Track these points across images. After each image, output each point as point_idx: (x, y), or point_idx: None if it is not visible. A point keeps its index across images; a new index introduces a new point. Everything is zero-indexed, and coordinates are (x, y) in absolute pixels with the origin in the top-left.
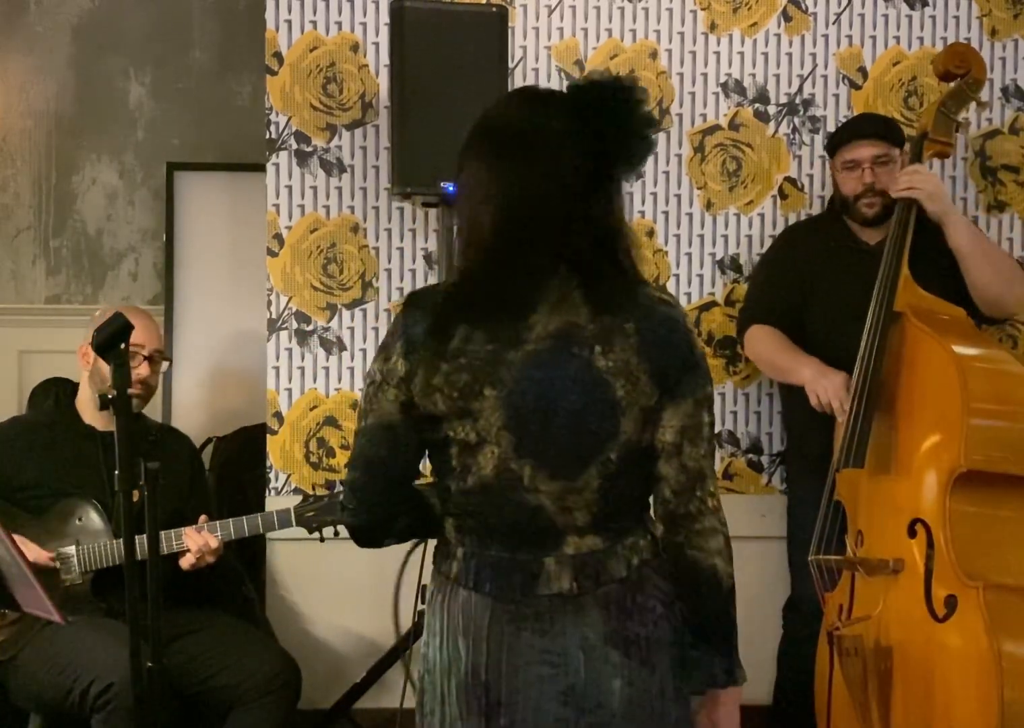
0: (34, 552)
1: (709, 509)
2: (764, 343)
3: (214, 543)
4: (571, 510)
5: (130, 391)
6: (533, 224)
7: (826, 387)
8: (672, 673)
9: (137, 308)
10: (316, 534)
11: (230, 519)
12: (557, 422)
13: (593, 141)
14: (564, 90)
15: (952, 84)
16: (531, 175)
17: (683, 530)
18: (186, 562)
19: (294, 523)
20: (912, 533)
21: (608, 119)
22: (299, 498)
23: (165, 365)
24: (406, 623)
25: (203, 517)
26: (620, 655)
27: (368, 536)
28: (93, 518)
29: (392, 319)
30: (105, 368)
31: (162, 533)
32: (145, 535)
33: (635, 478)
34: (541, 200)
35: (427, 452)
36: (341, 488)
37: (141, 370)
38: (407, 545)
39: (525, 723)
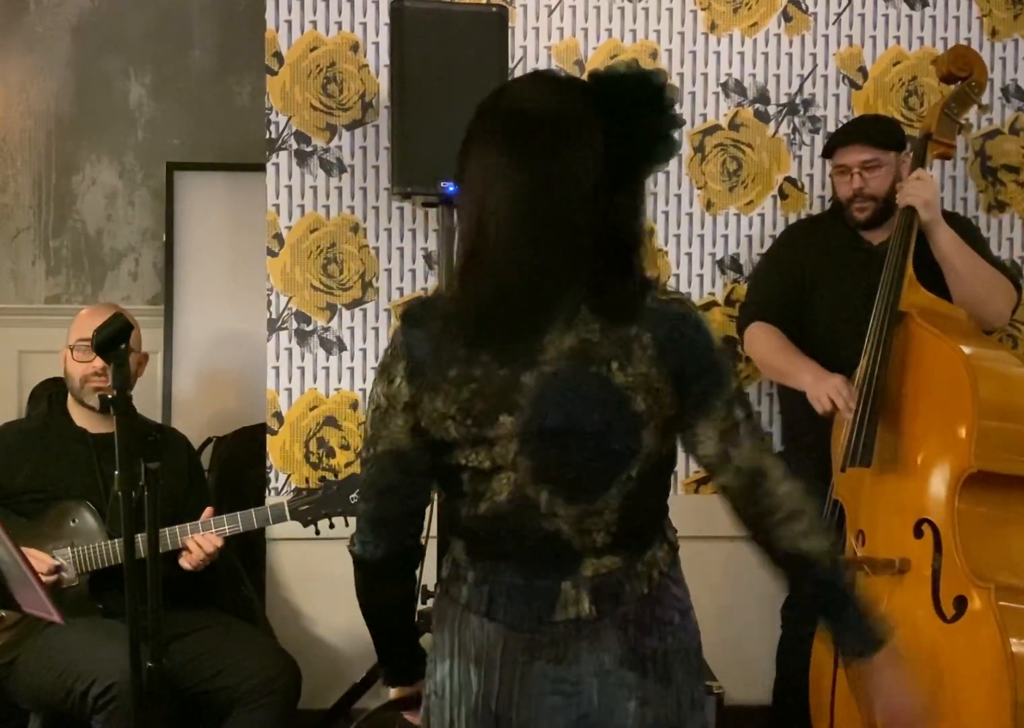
0: (38, 561)
1: (778, 496)
2: (763, 343)
3: (219, 542)
4: (590, 532)
5: (92, 385)
6: (554, 228)
7: (828, 390)
8: (689, 680)
9: (101, 305)
10: (311, 528)
11: (224, 515)
12: (579, 445)
13: (618, 136)
14: (586, 78)
15: (955, 86)
16: (553, 169)
17: (762, 530)
18: (188, 561)
19: (288, 517)
20: (919, 533)
21: (637, 114)
22: None
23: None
24: None
25: (208, 510)
26: (636, 675)
27: (390, 570)
28: (87, 520)
29: (391, 334)
30: (73, 368)
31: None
32: (140, 535)
33: (654, 489)
34: (564, 199)
35: (439, 470)
36: (333, 483)
37: (96, 362)
38: None
39: None
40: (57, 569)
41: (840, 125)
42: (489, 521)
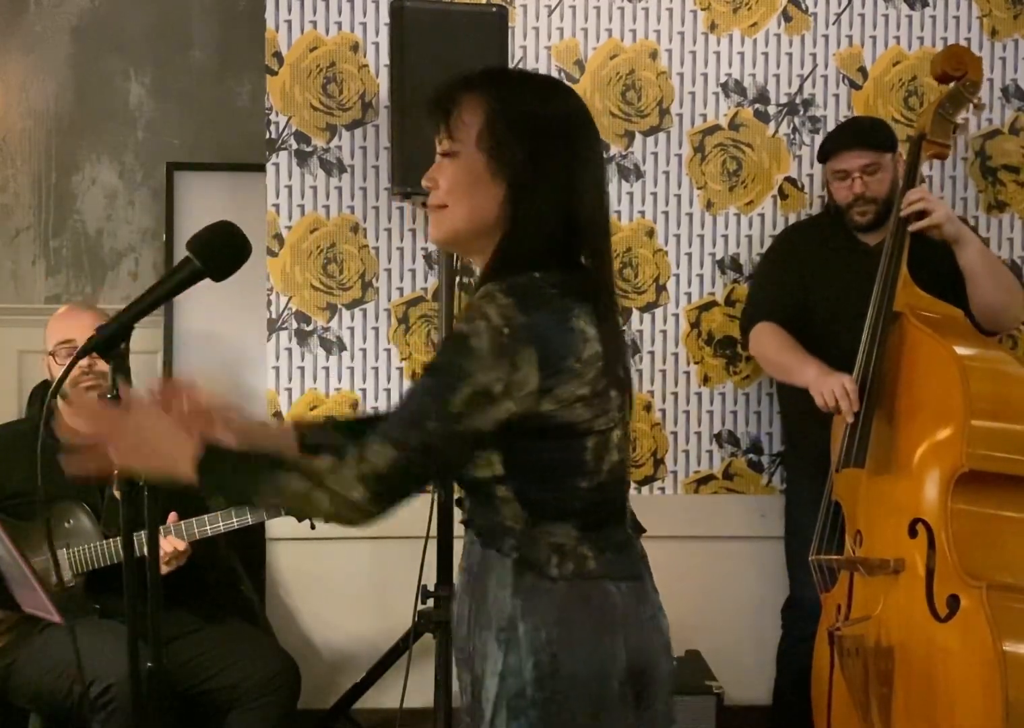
0: None
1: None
2: (768, 342)
3: (181, 547)
4: None
5: (83, 385)
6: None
7: (832, 387)
8: None
9: (72, 307)
10: (311, 529)
11: (219, 512)
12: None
13: None
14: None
15: (950, 86)
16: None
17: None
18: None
19: (283, 512)
20: (913, 533)
21: None
22: None
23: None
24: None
25: (172, 515)
26: None
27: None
28: (82, 520)
29: (488, 318)
30: (55, 370)
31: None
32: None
33: None
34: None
35: (525, 458)
36: None
37: (81, 362)
38: (409, 550)
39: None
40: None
41: (831, 131)
42: (609, 484)
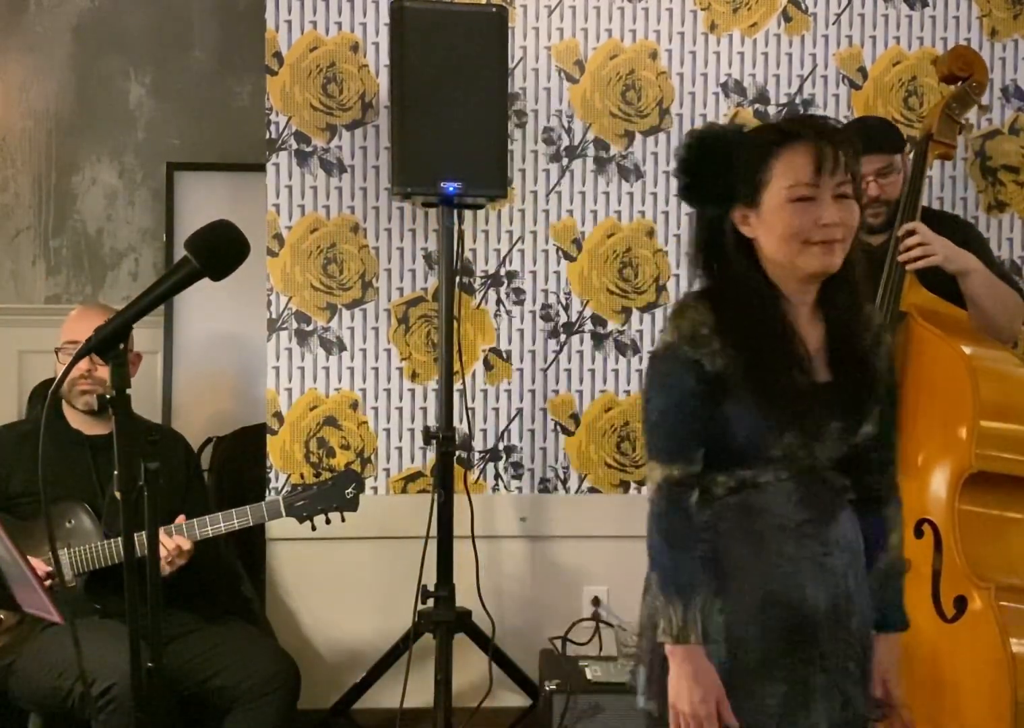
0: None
1: None
2: None
3: (185, 546)
4: None
5: (79, 388)
6: None
7: None
8: None
9: (89, 307)
10: (312, 529)
11: (219, 513)
12: None
13: None
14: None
15: (955, 86)
16: None
17: None
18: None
19: (284, 513)
20: (919, 533)
21: None
22: None
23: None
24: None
25: (180, 517)
26: None
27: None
28: (83, 520)
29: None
30: (59, 370)
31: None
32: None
33: None
34: None
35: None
36: (328, 479)
37: (81, 364)
38: (409, 550)
39: None
40: (49, 576)
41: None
42: None
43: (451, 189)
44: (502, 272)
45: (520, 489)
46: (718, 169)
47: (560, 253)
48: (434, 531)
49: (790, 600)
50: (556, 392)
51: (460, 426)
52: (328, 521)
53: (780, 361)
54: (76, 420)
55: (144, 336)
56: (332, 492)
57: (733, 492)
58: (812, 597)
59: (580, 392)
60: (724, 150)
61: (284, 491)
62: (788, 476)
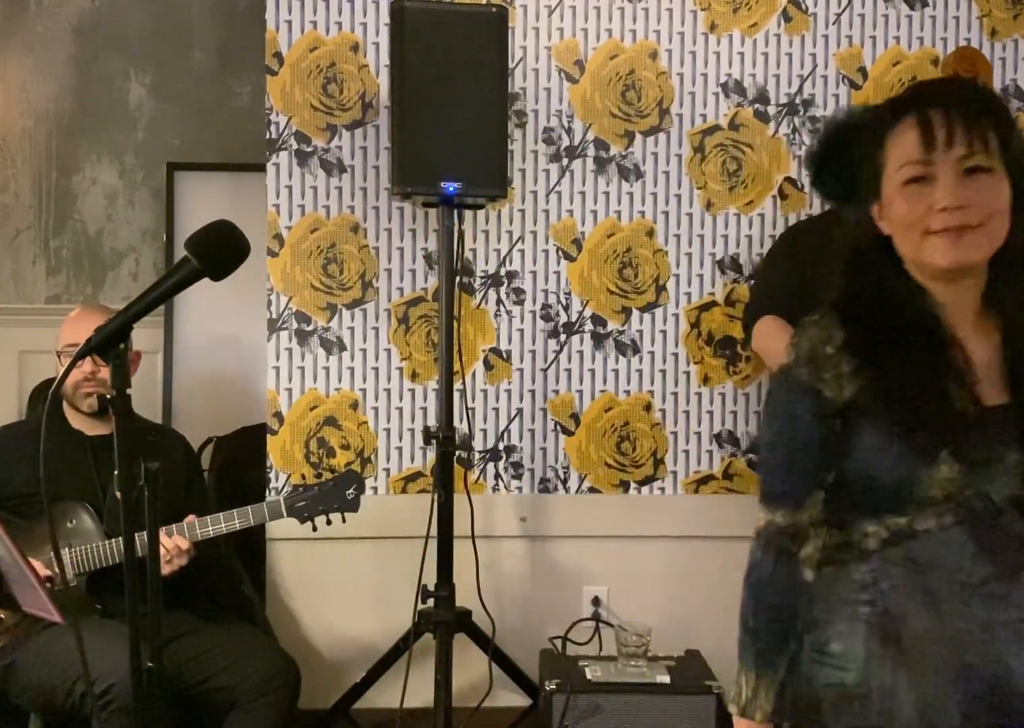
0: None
1: None
2: (773, 336)
3: (184, 545)
4: None
5: (83, 390)
6: None
7: None
8: None
9: (87, 308)
10: (312, 528)
11: (220, 513)
12: None
13: None
14: None
15: None
16: None
17: None
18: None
19: (284, 514)
20: None
21: None
22: None
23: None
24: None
25: (190, 517)
26: None
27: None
28: (85, 520)
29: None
30: (60, 371)
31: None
32: (139, 535)
33: None
34: None
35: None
36: (329, 480)
37: (85, 366)
38: (409, 550)
39: None
40: (50, 580)
41: None
42: None
43: (451, 189)
44: (502, 272)
45: (520, 489)
46: (840, 160)
47: (560, 253)
48: (434, 531)
49: (996, 676)
50: (556, 392)
51: (460, 426)
52: (329, 522)
53: (930, 377)
54: (77, 421)
55: (144, 336)
56: (333, 493)
57: (890, 544)
58: (1019, 672)
59: (580, 392)
60: (846, 138)
61: (285, 491)
62: (953, 522)
